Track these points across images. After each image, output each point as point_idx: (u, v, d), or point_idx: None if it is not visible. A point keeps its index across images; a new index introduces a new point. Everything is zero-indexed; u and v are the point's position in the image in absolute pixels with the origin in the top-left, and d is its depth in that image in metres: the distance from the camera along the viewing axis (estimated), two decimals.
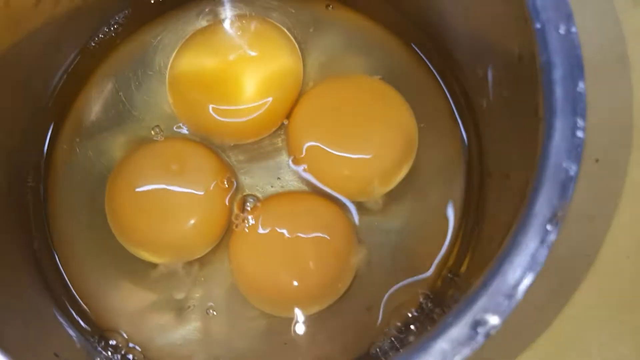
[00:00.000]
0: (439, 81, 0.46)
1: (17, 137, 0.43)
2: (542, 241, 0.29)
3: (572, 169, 0.29)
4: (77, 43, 0.46)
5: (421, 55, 0.47)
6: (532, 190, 0.29)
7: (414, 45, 0.47)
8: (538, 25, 0.30)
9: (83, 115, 0.47)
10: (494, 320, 0.28)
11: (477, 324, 0.28)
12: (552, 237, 0.29)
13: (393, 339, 0.42)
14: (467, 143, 0.45)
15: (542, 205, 0.29)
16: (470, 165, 0.45)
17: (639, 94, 0.50)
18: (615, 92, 0.50)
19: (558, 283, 0.48)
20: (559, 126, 0.29)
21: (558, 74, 0.29)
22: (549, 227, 0.28)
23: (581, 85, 0.29)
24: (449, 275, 0.44)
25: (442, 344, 0.28)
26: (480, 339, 0.28)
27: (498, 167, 0.40)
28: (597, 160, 0.49)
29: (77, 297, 0.44)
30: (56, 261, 0.44)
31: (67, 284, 0.44)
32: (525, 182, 0.31)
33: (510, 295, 0.28)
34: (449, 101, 0.46)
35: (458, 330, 0.28)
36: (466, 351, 0.28)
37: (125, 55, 0.48)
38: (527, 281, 0.28)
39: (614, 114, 0.50)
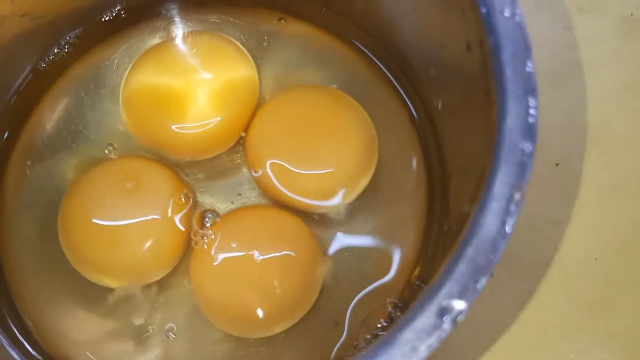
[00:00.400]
0: (395, 87, 0.46)
1: None
2: (504, 223, 0.28)
3: (528, 148, 0.28)
4: (27, 63, 0.45)
5: (375, 61, 0.47)
6: (489, 173, 0.29)
7: (367, 52, 0.47)
8: (484, 10, 0.30)
9: (34, 136, 0.45)
10: (459, 305, 0.27)
11: (443, 311, 0.27)
12: (513, 218, 0.28)
13: (364, 352, 0.40)
14: (427, 147, 0.45)
15: (501, 186, 0.28)
16: (430, 169, 0.45)
17: (591, 97, 0.51)
18: (570, 96, 0.51)
19: (527, 289, 0.47)
20: (512, 107, 0.29)
21: (506, 54, 0.29)
22: (511, 207, 0.28)
23: (530, 65, 0.29)
24: (417, 282, 0.42)
25: (407, 335, 0.27)
26: (447, 326, 0.27)
27: (457, 165, 0.39)
28: (557, 165, 0.50)
29: (27, 323, 0.42)
30: (5, 287, 0.42)
31: (16, 310, 0.42)
32: (482, 170, 0.30)
33: (475, 279, 0.27)
34: (406, 106, 0.46)
35: (424, 319, 0.27)
36: (433, 340, 0.26)
37: (77, 75, 0.47)
38: (491, 264, 0.27)
39: (569, 118, 0.51)
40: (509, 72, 0.29)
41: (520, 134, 0.29)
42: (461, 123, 0.38)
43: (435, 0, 0.36)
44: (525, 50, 0.29)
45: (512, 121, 0.29)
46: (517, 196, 0.28)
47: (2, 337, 0.37)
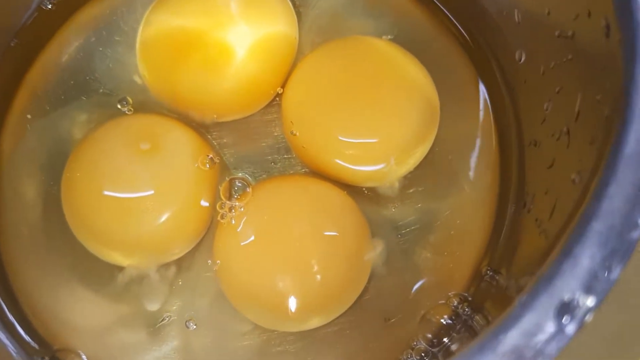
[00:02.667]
0: (462, 38, 0.40)
1: None
2: None
3: None
4: (31, 1, 0.39)
5: (438, 5, 0.40)
6: (620, 132, 0.22)
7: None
8: None
9: (36, 87, 0.40)
10: (586, 301, 0.20)
11: (563, 309, 0.20)
12: None
13: (423, 354, 0.34)
14: (500, 110, 0.38)
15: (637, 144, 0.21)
16: (504, 137, 0.38)
17: None
18: None
19: None
20: None
21: None
22: None
23: None
24: (488, 272, 0.36)
25: (513, 338, 0.20)
26: (570, 330, 0.19)
27: (543, 131, 0.32)
28: None
29: (23, 307, 0.37)
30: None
31: (10, 291, 0.37)
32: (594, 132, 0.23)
33: (607, 266, 0.20)
34: (475, 62, 0.39)
35: (535, 319, 0.20)
36: (551, 348, 0.19)
37: (87, 17, 0.41)
38: (629, 246, 0.20)
39: None
40: None
41: None
42: (554, 78, 0.30)
43: None
44: None
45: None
46: None
47: (3, 337, 0.31)
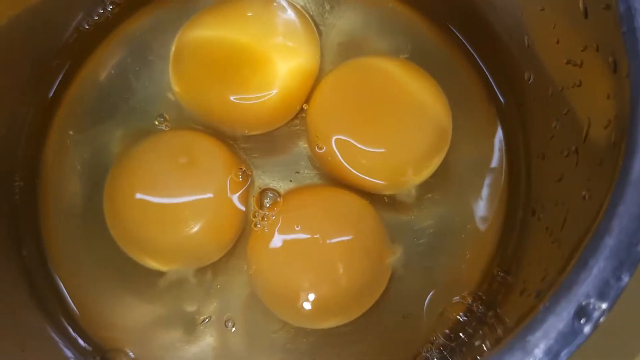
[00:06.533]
0: (473, 58, 0.42)
1: (4, 125, 0.38)
2: None
3: None
4: (70, 23, 0.41)
5: (450, 28, 0.42)
6: (629, 146, 0.25)
7: (441, 19, 0.42)
8: None
9: (77, 104, 0.42)
10: (600, 305, 0.23)
11: (581, 312, 0.23)
12: None
13: (442, 348, 0.37)
14: (508, 124, 0.41)
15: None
16: (513, 148, 0.41)
17: None
18: None
19: None
20: None
21: None
22: None
23: None
24: (499, 273, 0.39)
25: (539, 339, 0.23)
26: (587, 330, 0.23)
27: (551, 144, 0.35)
28: None
29: (75, 311, 0.39)
30: (49, 271, 0.39)
31: (63, 297, 0.39)
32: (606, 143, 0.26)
33: (617, 275, 0.23)
34: (485, 80, 0.42)
35: (557, 319, 0.23)
36: (571, 347, 0.23)
37: (123, 38, 0.43)
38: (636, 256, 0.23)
39: None
40: None
41: None
42: (562, 100, 0.33)
43: None
44: None
45: None
46: None
47: (58, 339, 0.33)
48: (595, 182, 0.28)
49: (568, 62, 0.32)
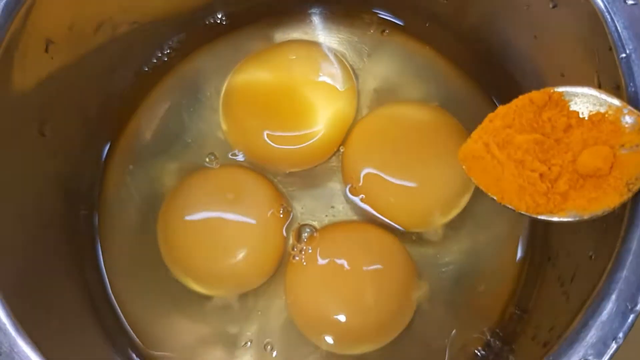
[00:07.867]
0: (494, 104, 0.45)
1: (71, 163, 0.42)
2: None
3: None
4: (132, 68, 0.45)
5: (480, 82, 0.45)
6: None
7: (472, 72, 0.45)
8: (623, 55, 0.29)
9: (135, 141, 0.46)
10: None
11: None
12: None
13: None
14: None
15: None
16: None
17: None
18: None
19: None
20: None
21: None
22: None
23: None
24: (516, 311, 0.42)
25: None
26: None
27: None
28: None
29: (129, 329, 0.42)
30: (107, 292, 0.43)
31: (120, 321, 0.42)
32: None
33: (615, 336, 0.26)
34: None
35: None
36: None
37: (178, 80, 0.47)
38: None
39: None
40: None
41: None
42: None
43: (561, 30, 0.35)
44: None
45: None
46: None
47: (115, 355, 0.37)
48: (599, 247, 0.30)
49: None
